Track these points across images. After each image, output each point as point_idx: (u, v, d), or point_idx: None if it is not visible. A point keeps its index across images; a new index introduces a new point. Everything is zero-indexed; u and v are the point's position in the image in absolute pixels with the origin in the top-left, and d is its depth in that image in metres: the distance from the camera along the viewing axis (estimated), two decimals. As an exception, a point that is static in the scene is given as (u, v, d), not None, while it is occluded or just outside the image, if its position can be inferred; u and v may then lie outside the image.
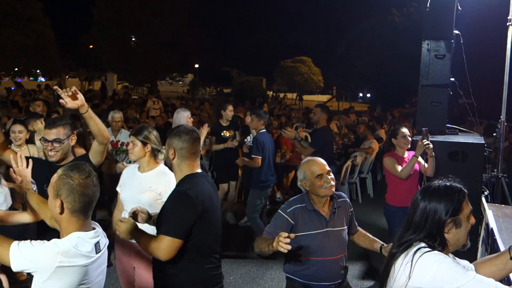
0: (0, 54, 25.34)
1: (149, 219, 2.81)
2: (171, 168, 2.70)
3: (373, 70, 27.78)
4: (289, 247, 2.40)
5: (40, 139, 3.22)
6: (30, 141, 5.01)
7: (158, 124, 9.23)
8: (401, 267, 1.90)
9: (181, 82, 45.35)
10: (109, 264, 3.56)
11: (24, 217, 2.83)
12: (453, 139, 4.71)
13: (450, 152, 4.52)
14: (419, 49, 4.87)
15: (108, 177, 6.10)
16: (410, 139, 4.71)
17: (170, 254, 2.41)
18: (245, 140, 7.11)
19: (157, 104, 14.07)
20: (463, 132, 5.13)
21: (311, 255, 2.88)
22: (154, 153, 3.39)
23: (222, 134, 6.57)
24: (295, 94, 40.28)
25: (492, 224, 3.55)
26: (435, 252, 1.86)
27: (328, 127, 6.39)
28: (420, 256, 1.84)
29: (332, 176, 2.96)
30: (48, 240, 2.02)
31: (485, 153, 4.60)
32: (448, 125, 4.92)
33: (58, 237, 2.08)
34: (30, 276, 2.15)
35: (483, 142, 4.58)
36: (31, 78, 34.72)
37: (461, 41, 4.88)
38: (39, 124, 4.75)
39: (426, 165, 4.47)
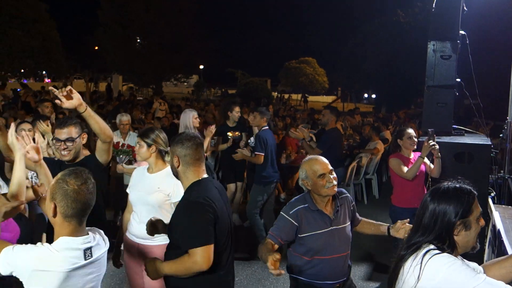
0: (6, 55, 25.50)
1: (164, 227, 2.81)
2: (176, 176, 2.67)
3: (378, 71, 27.68)
4: (280, 272, 2.40)
5: (52, 139, 3.23)
6: None
7: (164, 125, 9.26)
8: (410, 269, 1.88)
9: (185, 83, 45.41)
10: (119, 265, 3.58)
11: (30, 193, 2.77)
12: (459, 140, 4.69)
13: (456, 153, 4.50)
14: (424, 50, 4.85)
15: (114, 179, 6.13)
16: (416, 140, 4.70)
17: (209, 260, 2.38)
18: (248, 141, 7.12)
19: (163, 105, 14.11)
20: (469, 133, 5.11)
21: (316, 254, 2.86)
22: (161, 154, 3.38)
23: (227, 134, 6.59)
24: (300, 95, 40.26)
25: (499, 225, 3.53)
26: (445, 254, 1.84)
27: (336, 128, 6.40)
28: (430, 258, 1.83)
29: (335, 175, 2.92)
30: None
31: (491, 154, 4.58)
32: (454, 126, 4.90)
33: None
34: None
35: (490, 143, 4.56)
36: (36, 80, 34.93)
37: (467, 42, 4.86)
38: (43, 126, 4.75)
39: (432, 166, 4.46)
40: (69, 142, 3.14)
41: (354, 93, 41.22)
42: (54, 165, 3.18)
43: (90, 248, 2.10)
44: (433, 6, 4.72)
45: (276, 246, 2.81)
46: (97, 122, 2.98)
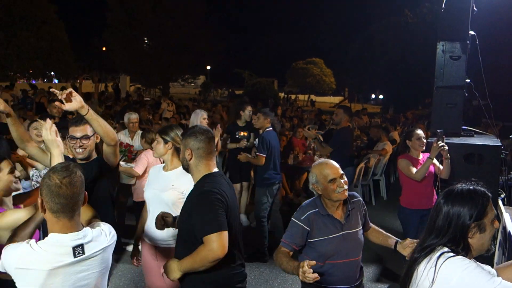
0: (15, 56, 25.78)
1: (174, 221, 2.82)
2: (187, 169, 2.68)
3: (386, 72, 27.61)
4: (316, 276, 2.35)
5: (67, 137, 3.24)
6: None
7: (171, 126, 9.25)
8: (424, 271, 1.86)
9: (193, 84, 45.60)
10: (138, 263, 3.61)
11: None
12: (469, 141, 4.65)
13: (466, 154, 4.46)
14: (432, 50, 4.81)
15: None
16: (425, 141, 4.67)
17: (224, 247, 2.36)
18: (254, 142, 7.11)
19: (171, 106, 14.15)
20: (479, 134, 5.06)
21: (327, 259, 2.84)
22: (178, 152, 3.38)
23: (237, 134, 6.59)
24: (307, 96, 40.23)
25: (510, 227, 3.51)
26: (460, 257, 1.82)
27: (348, 127, 6.36)
28: (444, 261, 1.81)
29: (345, 179, 2.88)
30: None
31: (501, 155, 4.54)
32: (463, 127, 4.86)
33: None
34: None
35: (500, 144, 4.52)
36: (45, 80, 35.18)
37: (477, 42, 4.82)
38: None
39: (441, 167, 4.43)
40: (84, 140, 3.16)
41: (361, 94, 41.12)
42: None
43: (81, 245, 2.02)
44: (443, 6, 4.69)
45: (291, 253, 2.82)
46: (100, 125, 2.94)
